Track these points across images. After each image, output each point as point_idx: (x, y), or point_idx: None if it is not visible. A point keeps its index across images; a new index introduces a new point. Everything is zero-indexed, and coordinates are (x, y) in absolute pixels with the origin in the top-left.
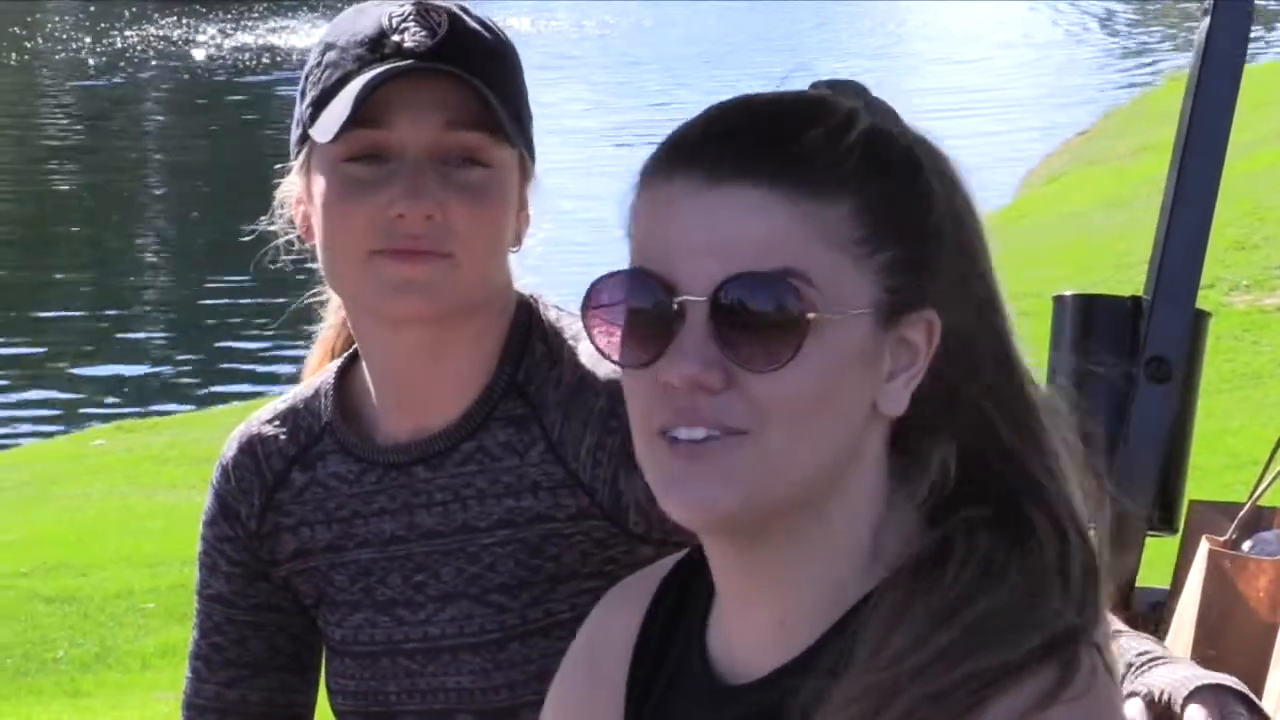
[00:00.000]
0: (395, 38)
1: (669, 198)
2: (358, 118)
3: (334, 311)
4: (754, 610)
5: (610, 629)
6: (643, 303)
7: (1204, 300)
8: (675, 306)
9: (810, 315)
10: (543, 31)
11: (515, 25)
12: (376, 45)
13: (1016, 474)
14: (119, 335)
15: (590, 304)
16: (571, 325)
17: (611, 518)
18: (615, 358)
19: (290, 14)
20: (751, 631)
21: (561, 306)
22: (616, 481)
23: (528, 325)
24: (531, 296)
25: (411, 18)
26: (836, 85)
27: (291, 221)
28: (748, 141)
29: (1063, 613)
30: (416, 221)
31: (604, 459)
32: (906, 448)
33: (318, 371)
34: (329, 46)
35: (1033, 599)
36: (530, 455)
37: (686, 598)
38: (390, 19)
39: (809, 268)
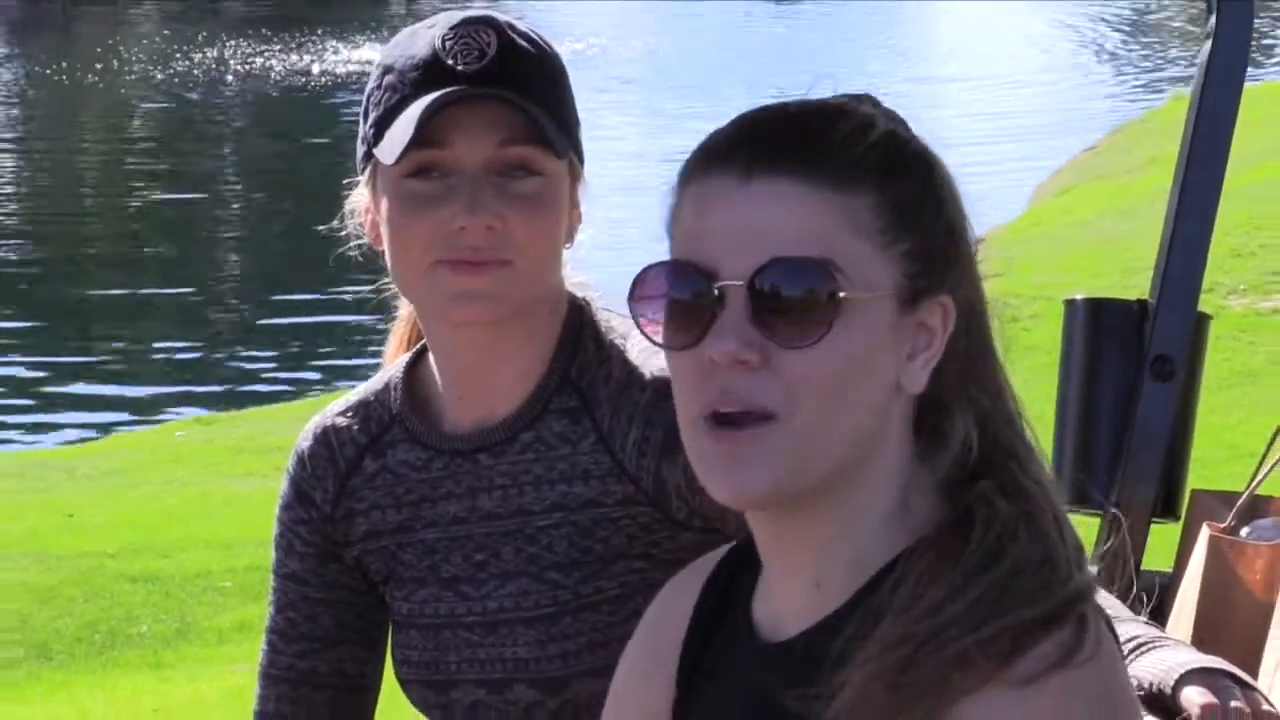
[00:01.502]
0: (448, 61)
1: (708, 194)
2: (417, 138)
3: (406, 304)
4: (793, 575)
5: (668, 612)
6: (685, 290)
7: (1204, 303)
8: (716, 292)
9: (841, 294)
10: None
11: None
12: (431, 69)
13: (1009, 445)
14: (199, 339)
15: (636, 294)
16: (620, 325)
17: (655, 504)
18: (661, 341)
19: (348, 38)
20: (791, 596)
21: (610, 308)
22: (659, 471)
23: (579, 325)
24: (584, 299)
25: (461, 39)
26: (853, 96)
27: (362, 225)
28: (778, 140)
29: (1071, 572)
30: (478, 233)
31: (648, 450)
32: (931, 429)
33: (394, 359)
34: (387, 70)
35: (1044, 558)
36: (582, 445)
37: (734, 583)
38: (442, 41)
39: (838, 253)
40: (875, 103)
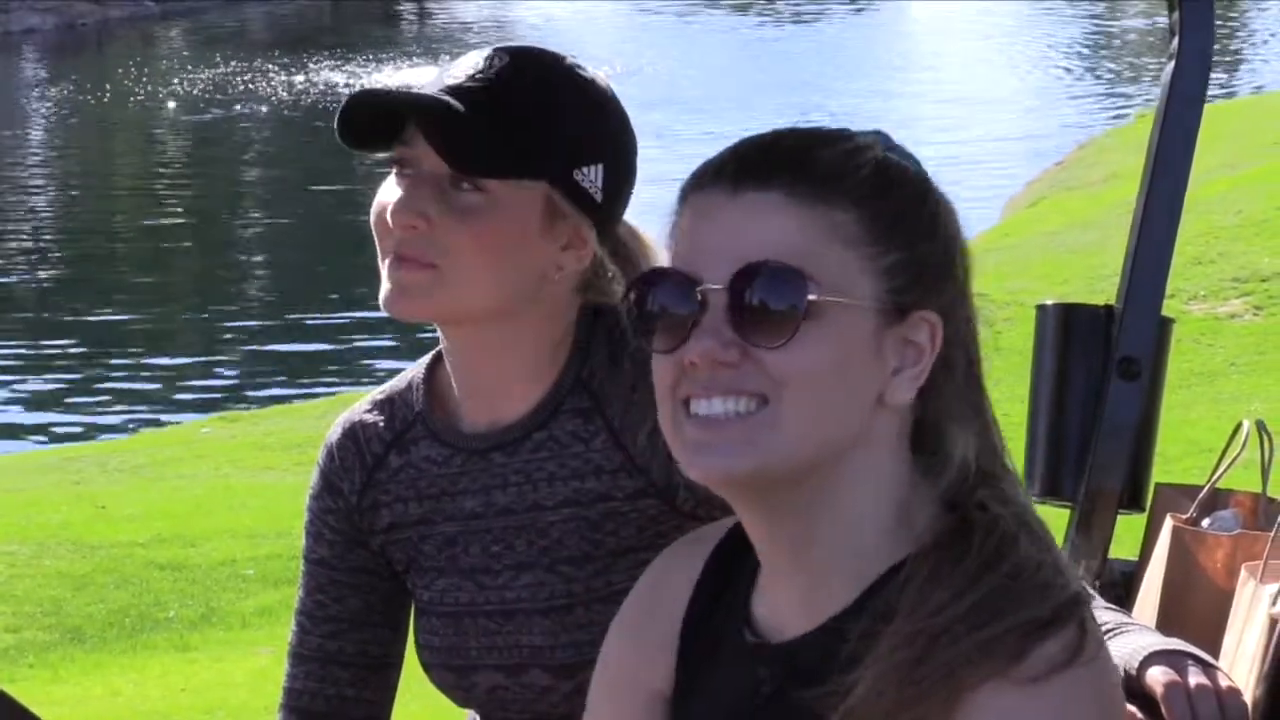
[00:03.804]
0: (443, 73)
1: (701, 208)
2: (402, 136)
3: None
4: (787, 577)
5: (667, 585)
6: (671, 294)
7: (1167, 308)
8: (699, 296)
9: (811, 297)
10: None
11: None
12: (437, 78)
13: (995, 467)
14: (225, 342)
15: (627, 298)
16: None
17: (663, 496)
18: (649, 345)
19: (359, 58)
20: (789, 598)
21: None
22: (669, 462)
23: (590, 329)
24: (596, 305)
25: (472, 58)
26: (862, 131)
27: None
28: (770, 158)
29: (1069, 579)
30: (399, 229)
31: (659, 444)
32: (931, 447)
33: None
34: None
35: (1041, 563)
36: (594, 443)
37: (735, 566)
38: (459, 58)
39: (814, 261)
40: (883, 136)
